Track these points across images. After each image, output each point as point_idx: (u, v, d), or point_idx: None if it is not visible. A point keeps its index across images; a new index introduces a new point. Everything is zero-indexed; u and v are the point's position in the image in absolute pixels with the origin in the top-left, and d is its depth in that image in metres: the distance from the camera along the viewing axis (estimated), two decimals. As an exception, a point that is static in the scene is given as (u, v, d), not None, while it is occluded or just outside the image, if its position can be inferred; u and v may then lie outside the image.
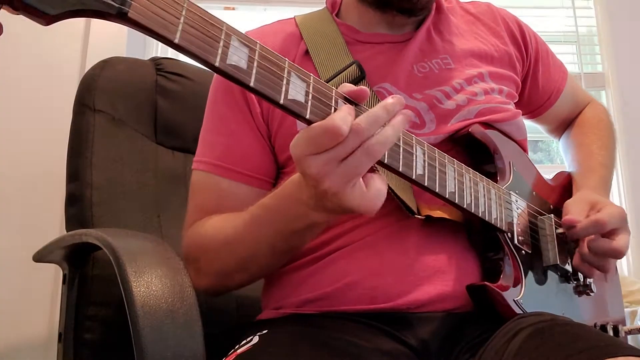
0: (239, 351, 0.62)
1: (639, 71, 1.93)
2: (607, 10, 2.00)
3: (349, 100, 0.57)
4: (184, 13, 0.46)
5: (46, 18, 0.40)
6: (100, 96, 1.00)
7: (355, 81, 0.76)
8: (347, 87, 0.58)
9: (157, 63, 1.12)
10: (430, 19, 0.85)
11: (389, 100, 0.57)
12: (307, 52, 0.81)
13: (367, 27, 0.84)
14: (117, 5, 0.42)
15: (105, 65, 1.04)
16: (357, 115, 0.55)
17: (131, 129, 1.04)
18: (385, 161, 0.59)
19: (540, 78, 0.96)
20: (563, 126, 1.05)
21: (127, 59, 1.12)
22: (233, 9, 1.93)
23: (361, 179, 0.56)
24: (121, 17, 0.43)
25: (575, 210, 0.80)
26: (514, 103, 0.88)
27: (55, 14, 0.40)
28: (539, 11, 2.09)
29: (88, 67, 1.07)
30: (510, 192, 0.78)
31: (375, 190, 0.57)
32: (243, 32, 0.51)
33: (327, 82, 0.74)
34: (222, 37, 0.48)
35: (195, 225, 0.78)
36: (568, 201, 0.83)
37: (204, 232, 0.75)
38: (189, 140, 1.09)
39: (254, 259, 0.72)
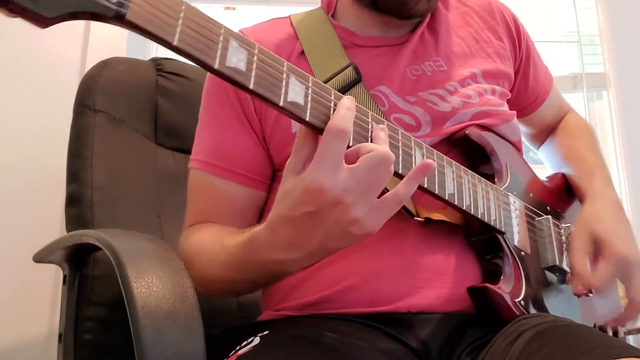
0: (239, 352, 0.62)
1: (641, 72, 1.93)
2: (609, 11, 2.00)
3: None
4: (182, 15, 0.45)
5: (44, 21, 0.39)
6: (100, 97, 1.00)
7: (352, 84, 0.75)
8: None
9: (158, 63, 1.12)
10: (426, 19, 0.85)
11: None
12: (302, 53, 0.80)
13: (364, 29, 0.83)
14: (114, 7, 0.42)
15: (105, 65, 1.04)
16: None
17: (131, 130, 1.04)
18: None
19: (530, 77, 0.95)
20: (545, 132, 1.05)
21: (128, 59, 1.12)
22: (233, 9, 1.93)
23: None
24: (119, 19, 0.42)
25: (578, 246, 0.77)
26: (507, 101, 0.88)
27: (53, 17, 0.39)
28: (540, 11, 2.09)
29: (88, 67, 1.06)
30: (508, 193, 0.78)
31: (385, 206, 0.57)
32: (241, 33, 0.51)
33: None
34: (221, 39, 0.48)
35: (186, 236, 0.78)
36: (573, 231, 0.81)
37: (188, 255, 0.74)
38: (189, 141, 1.08)
39: (240, 290, 0.76)
